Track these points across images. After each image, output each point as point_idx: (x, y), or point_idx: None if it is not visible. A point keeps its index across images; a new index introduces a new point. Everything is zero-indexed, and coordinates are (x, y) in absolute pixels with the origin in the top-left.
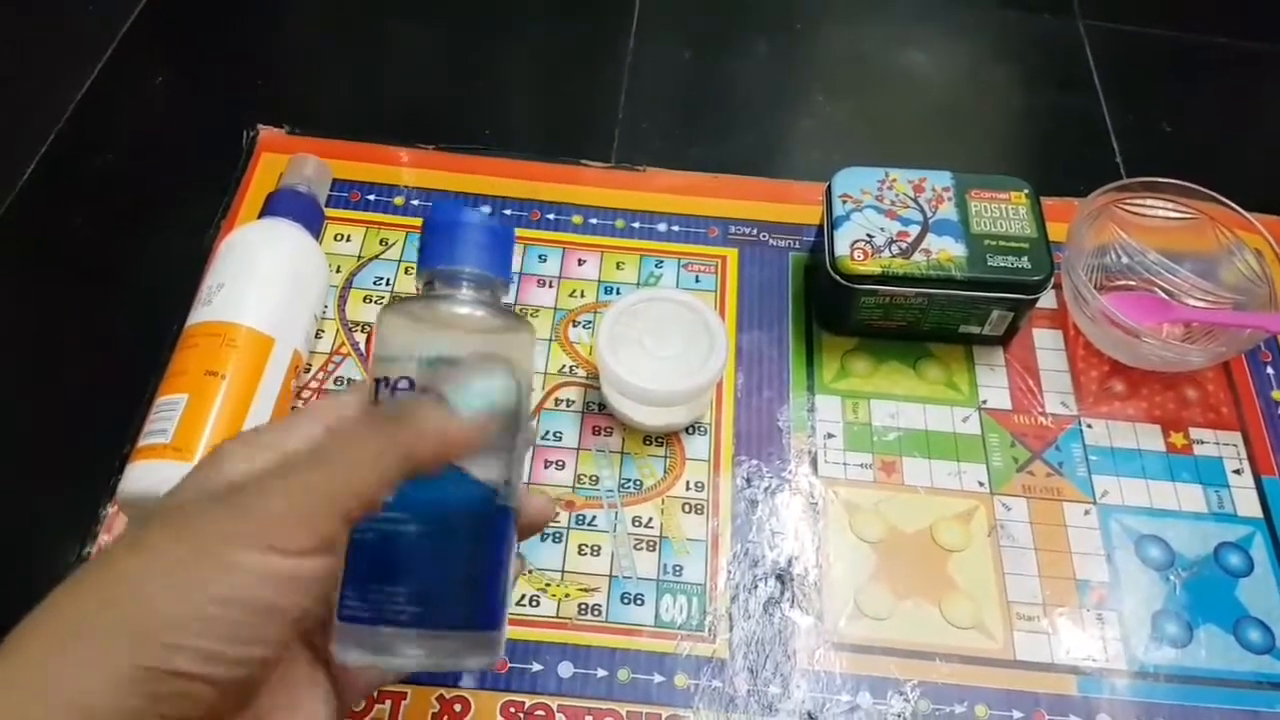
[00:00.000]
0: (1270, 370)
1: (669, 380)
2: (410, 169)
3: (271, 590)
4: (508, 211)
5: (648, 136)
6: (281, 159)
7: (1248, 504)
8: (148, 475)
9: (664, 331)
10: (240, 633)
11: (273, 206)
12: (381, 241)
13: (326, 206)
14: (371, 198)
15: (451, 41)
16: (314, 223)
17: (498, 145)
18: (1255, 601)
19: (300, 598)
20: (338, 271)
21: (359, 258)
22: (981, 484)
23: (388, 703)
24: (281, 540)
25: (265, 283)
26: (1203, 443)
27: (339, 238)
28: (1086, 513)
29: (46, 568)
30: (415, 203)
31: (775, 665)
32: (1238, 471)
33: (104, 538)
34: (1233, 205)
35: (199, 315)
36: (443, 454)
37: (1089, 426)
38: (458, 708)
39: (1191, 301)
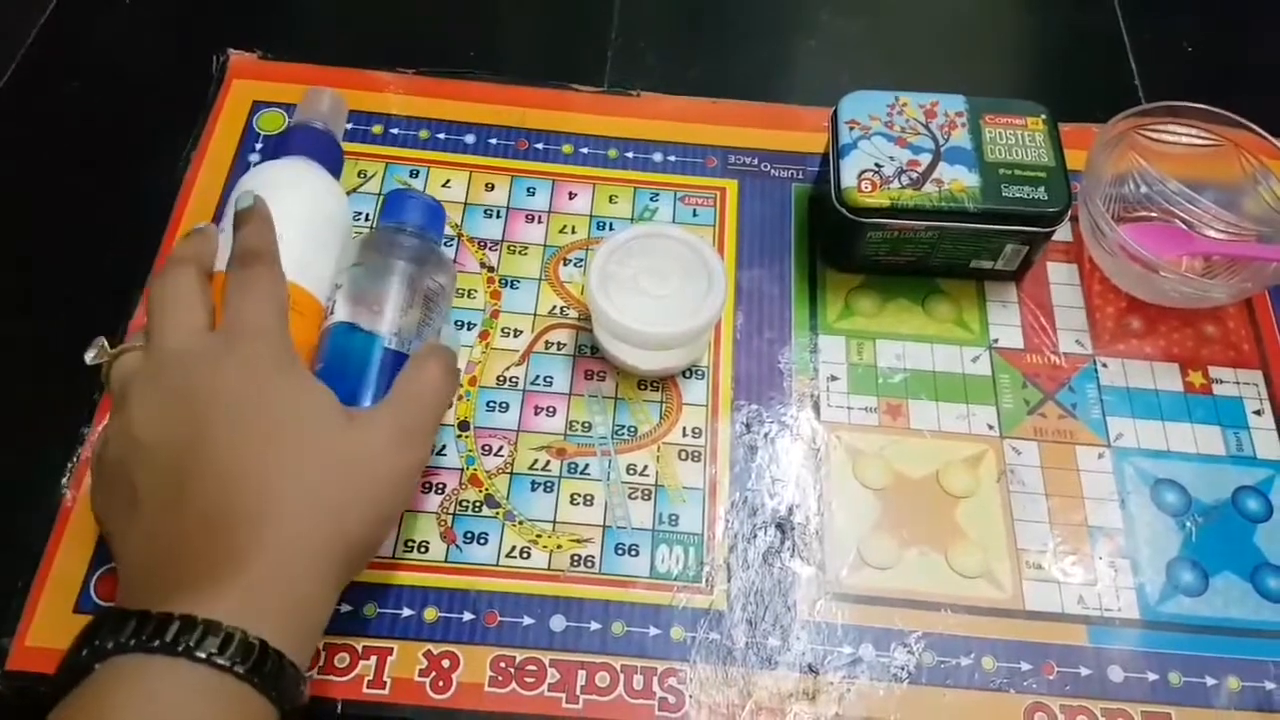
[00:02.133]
0: None
1: (664, 322)
2: (390, 95)
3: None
4: (493, 140)
5: (643, 58)
6: (253, 85)
7: (1268, 446)
8: None
9: (659, 270)
10: None
11: (292, 144)
12: (360, 174)
13: None
14: (349, 126)
15: None
16: (335, 163)
17: (483, 69)
18: (1274, 548)
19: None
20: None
21: None
22: (991, 427)
23: (374, 659)
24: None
25: (301, 231)
26: (1222, 382)
27: None
28: (1100, 456)
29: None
30: (395, 131)
31: (775, 617)
32: (1258, 412)
33: (69, 492)
34: (1259, 130)
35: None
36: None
37: (1104, 366)
38: (446, 663)
39: (1213, 233)
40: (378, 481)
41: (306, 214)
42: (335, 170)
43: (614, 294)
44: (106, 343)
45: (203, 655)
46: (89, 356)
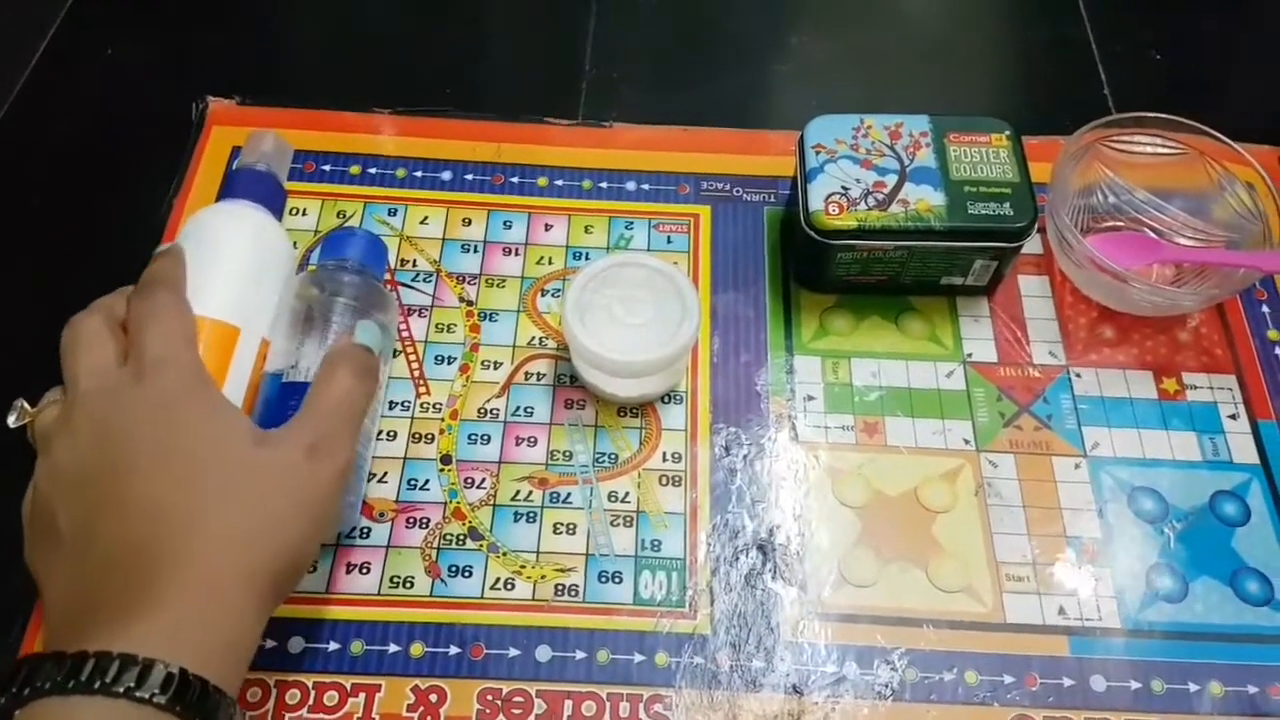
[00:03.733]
0: (1266, 309)
1: (639, 350)
2: (367, 136)
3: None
4: (469, 176)
5: (617, 89)
6: (233, 131)
7: (1244, 450)
8: None
9: (634, 298)
10: None
11: (231, 188)
12: (339, 214)
13: None
14: (327, 168)
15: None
16: (276, 203)
17: (459, 106)
18: (1252, 551)
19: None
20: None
21: (315, 232)
22: (967, 441)
23: (362, 696)
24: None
25: (227, 269)
26: (1196, 388)
27: (294, 212)
28: (1077, 466)
29: None
30: (373, 171)
31: (758, 639)
32: (1233, 416)
33: None
34: (1222, 138)
35: None
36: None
37: (1078, 376)
38: (433, 698)
39: (1182, 241)
40: (295, 497)
41: (244, 255)
42: (278, 211)
43: (590, 324)
44: (26, 403)
45: (120, 690)
46: (11, 420)
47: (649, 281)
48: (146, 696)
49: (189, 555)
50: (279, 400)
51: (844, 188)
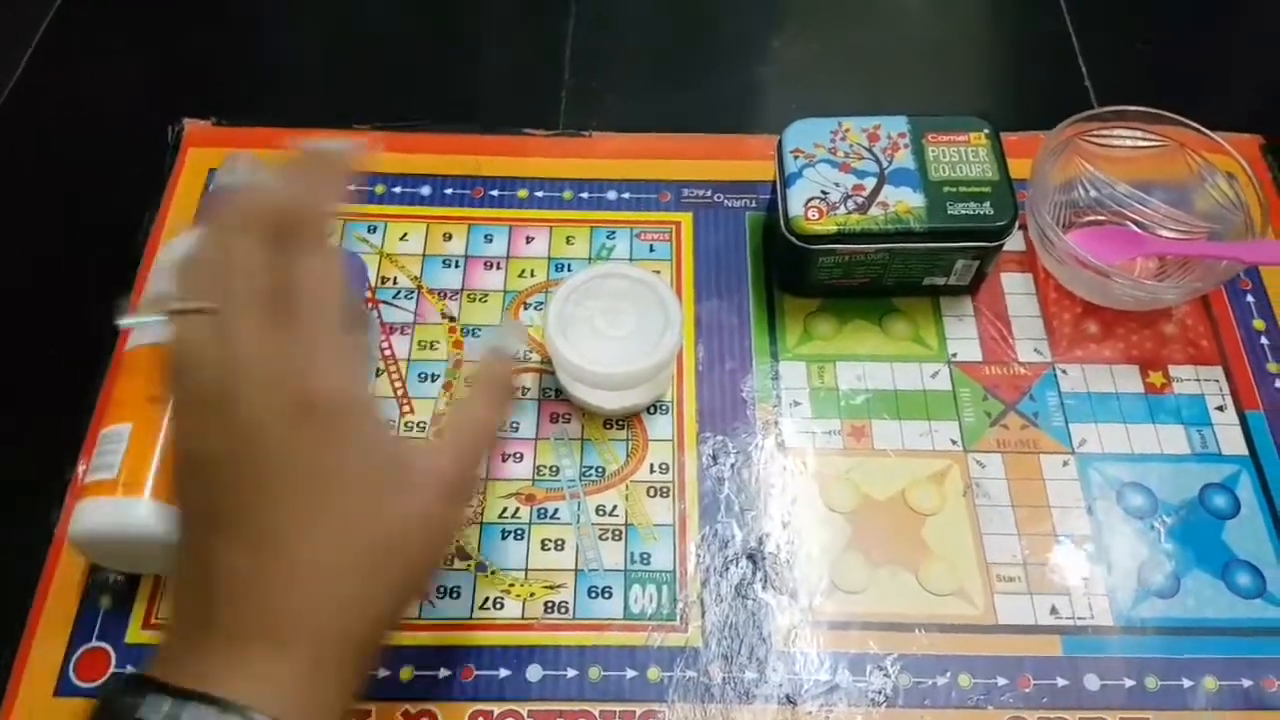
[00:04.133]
0: (1250, 299)
1: (622, 362)
2: None
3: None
4: (449, 190)
5: (598, 97)
6: (209, 153)
7: (1232, 442)
8: (96, 513)
9: (616, 310)
10: None
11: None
12: None
13: None
14: None
15: (383, 9)
16: None
17: (436, 119)
18: (1243, 544)
19: None
20: None
21: None
22: (954, 442)
23: None
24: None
25: None
26: (1183, 380)
27: None
28: (1065, 464)
29: None
30: (350, 188)
31: (750, 649)
32: (1220, 408)
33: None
34: (1201, 128)
35: (140, 337)
36: None
37: (1064, 372)
38: None
39: (1165, 233)
40: (427, 558)
41: None
42: None
43: (572, 337)
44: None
45: None
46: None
47: (631, 292)
48: None
49: (317, 615)
50: None
51: (823, 192)
